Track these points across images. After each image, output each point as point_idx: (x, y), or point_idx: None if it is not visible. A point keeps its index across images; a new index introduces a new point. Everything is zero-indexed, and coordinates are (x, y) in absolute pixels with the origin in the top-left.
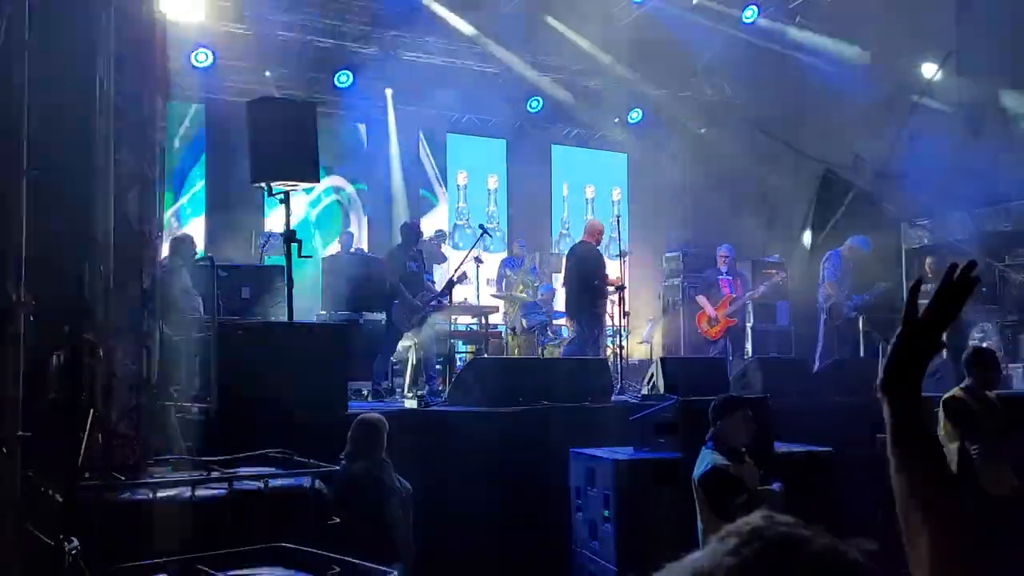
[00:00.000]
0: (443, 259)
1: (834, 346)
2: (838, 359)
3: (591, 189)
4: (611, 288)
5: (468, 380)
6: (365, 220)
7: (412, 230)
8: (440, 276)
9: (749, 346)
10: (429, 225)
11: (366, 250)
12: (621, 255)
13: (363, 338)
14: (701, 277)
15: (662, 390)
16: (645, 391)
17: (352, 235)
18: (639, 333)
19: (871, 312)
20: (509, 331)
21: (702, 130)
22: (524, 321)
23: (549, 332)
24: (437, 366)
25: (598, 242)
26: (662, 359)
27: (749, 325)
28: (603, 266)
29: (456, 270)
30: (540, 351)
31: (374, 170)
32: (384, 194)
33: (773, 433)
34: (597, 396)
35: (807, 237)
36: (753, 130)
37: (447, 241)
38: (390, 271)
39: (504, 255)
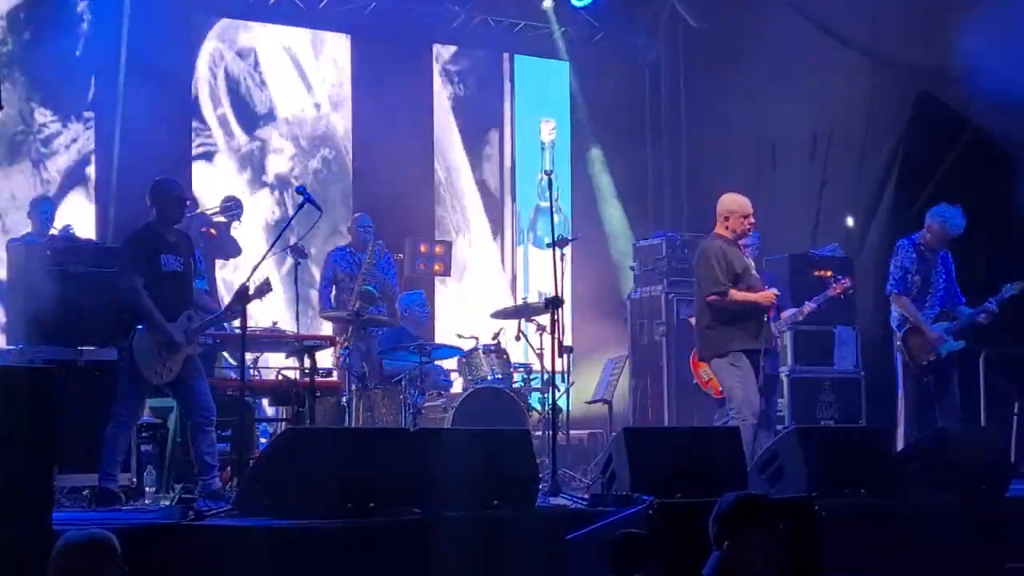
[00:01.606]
0: (235, 250)
1: (929, 403)
2: (938, 429)
3: (503, 126)
4: (533, 302)
5: (275, 470)
6: (92, 181)
7: (168, 196)
8: (228, 281)
9: (784, 406)
10: (208, 187)
11: (91, 236)
12: (556, 243)
13: (82, 393)
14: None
15: (627, 486)
16: (597, 487)
17: (52, 205)
18: (587, 384)
19: (989, 342)
20: (354, 380)
21: (704, 24)
22: (384, 365)
23: (428, 381)
24: (220, 445)
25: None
26: (628, 431)
27: (785, 370)
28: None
29: (254, 270)
30: (409, 416)
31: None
32: (128, 127)
33: (820, 560)
34: (511, 497)
35: (890, 209)
36: (787, 18)
37: (240, 218)
38: (126, 274)
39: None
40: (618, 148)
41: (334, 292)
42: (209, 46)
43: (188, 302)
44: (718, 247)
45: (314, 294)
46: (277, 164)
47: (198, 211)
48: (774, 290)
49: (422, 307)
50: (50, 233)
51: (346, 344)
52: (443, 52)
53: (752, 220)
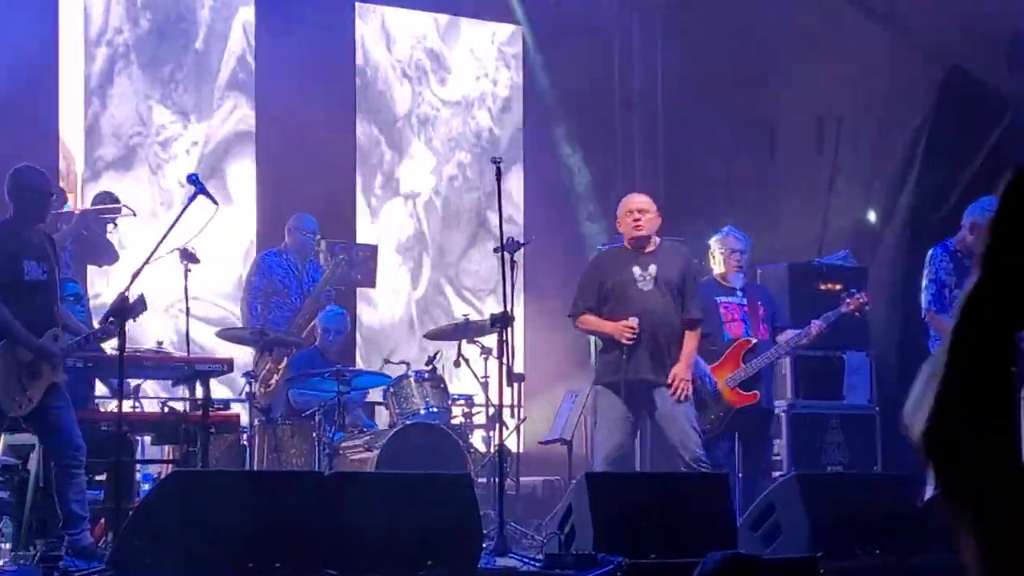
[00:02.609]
0: (110, 256)
1: None
2: None
3: (437, 100)
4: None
5: (159, 522)
6: None
7: (29, 189)
8: (105, 292)
9: (782, 448)
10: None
11: None
12: (504, 248)
13: None
14: None
15: (590, 543)
16: (553, 545)
17: None
18: (542, 420)
19: None
20: (256, 414)
21: None
22: (291, 396)
23: (347, 415)
24: (92, 491)
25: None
26: (591, 477)
27: (784, 405)
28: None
29: (133, 279)
30: (324, 457)
31: None
32: None
33: None
34: (449, 557)
35: (910, 209)
36: None
37: (117, 220)
38: None
39: (254, 247)
40: (580, 138)
41: (261, 308)
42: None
43: (52, 318)
44: (600, 256)
45: (207, 307)
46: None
47: (66, 209)
48: (631, 321)
49: (337, 334)
50: None
51: (249, 370)
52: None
53: (637, 216)
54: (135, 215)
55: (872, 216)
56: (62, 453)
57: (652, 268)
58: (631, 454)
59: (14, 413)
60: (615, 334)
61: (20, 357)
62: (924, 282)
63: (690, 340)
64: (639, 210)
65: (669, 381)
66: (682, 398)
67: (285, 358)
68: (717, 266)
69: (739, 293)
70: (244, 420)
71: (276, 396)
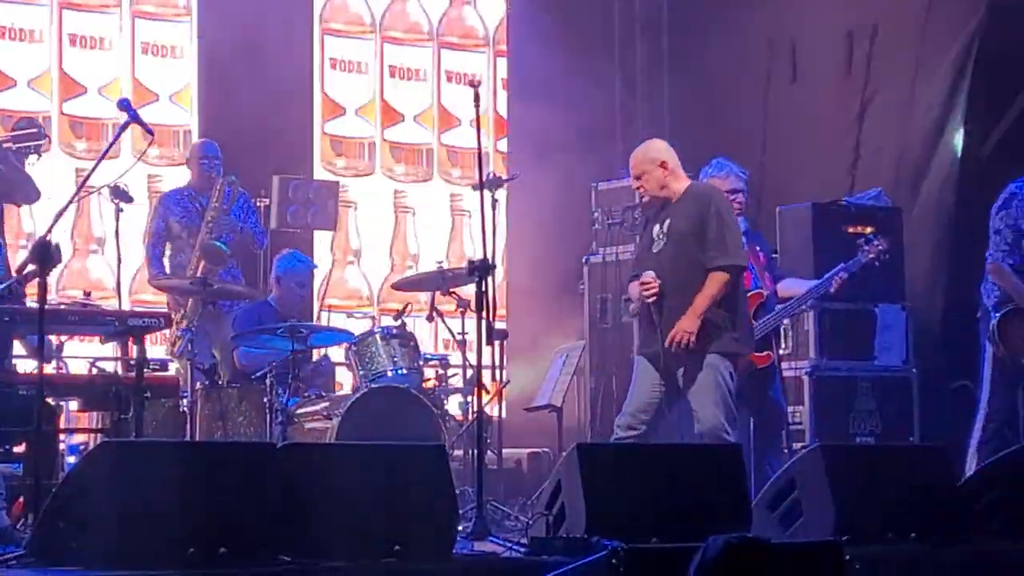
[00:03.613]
0: (32, 193)
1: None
2: (1020, 451)
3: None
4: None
5: (87, 501)
6: None
7: None
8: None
9: (805, 415)
10: None
11: None
12: (484, 185)
13: None
14: None
15: (582, 526)
16: (540, 528)
17: None
18: (527, 384)
19: None
20: (198, 376)
21: None
22: (238, 357)
23: (303, 377)
24: (8, 465)
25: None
26: (584, 449)
27: (806, 366)
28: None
29: (56, 220)
30: (277, 426)
31: None
32: None
33: None
34: (420, 541)
35: (959, 139)
36: None
37: (41, 150)
38: None
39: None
40: (573, 53)
41: (168, 251)
42: None
43: None
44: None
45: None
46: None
47: None
48: (645, 276)
49: (302, 287)
50: None
51: (187, 325)
52: None
53: (636, 183)
54: (49, 141)
55: (958, 142)
56: None
57: (667, 223)
58: (655, 430)
59: None
60: (636, 297)
61: None
62: (997, 225)
63: (709, 284)
64: (633, 175)
65: (678, 329)
66: (674, 349)
67: (199, 309)
68: None
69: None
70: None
71: (222, 356)
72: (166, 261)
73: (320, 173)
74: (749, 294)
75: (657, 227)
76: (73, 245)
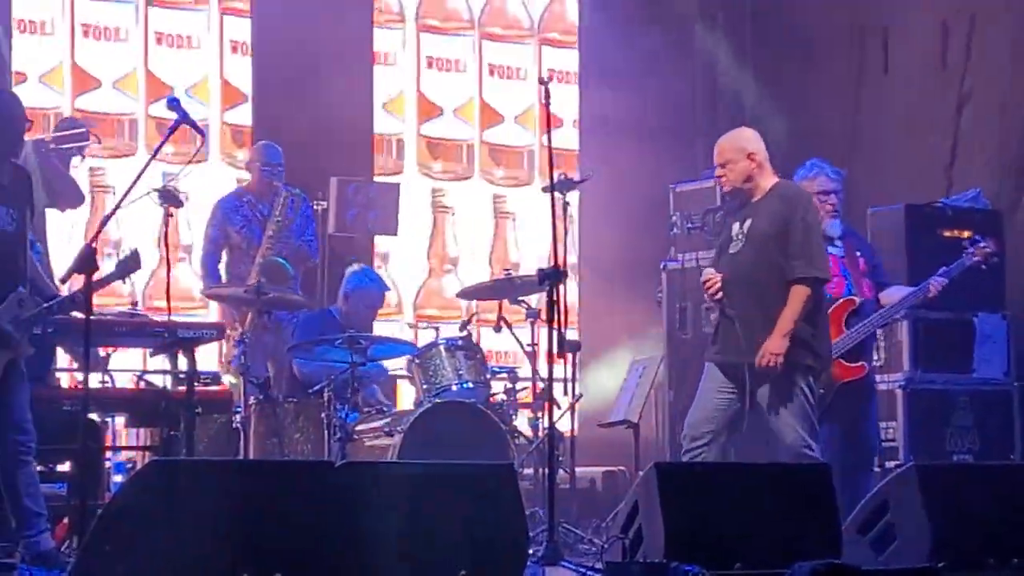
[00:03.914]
0: (76, 196)
1: None
2: None
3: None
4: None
5: (134, 523)
6: None
7: (7, 110)
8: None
9: (898, 432)
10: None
11: None
12: (555, 187)
13: None
14: None
15: (660, 550)
16: (615, 552)
17: None
18: (602, 398)
19: None
20: (252, 390)
21: None
22: (296, 367)
23: (363, 391)
24: (52, 485)
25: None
26: (663, 469)
27: (899, 380)
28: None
29: (102, 225)
30: (335, 444)
31: None
32: None
33: None
34: (488, 566)
35: None
36: None
37: (85, 151)
38: None
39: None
40: (649, 44)
41: (224, 260)
42: None
43: (20, 276)
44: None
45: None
46: None
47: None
48: (705, 273)
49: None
50: None
51: (242, 336)
52: None
53: (720, 171)
54: (100, 143)
55: None
56: (9, 439)
57: (748, 223)
58: (726, 445)
59: None
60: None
61: None
62: None
63: (793, 300)
64: (717, 163)
65: (765, 352)
66: (769, 369)
67: (253, 319)
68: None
69: (837, 243)
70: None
71: (276, 368)
72: (223, 270)
73: (416, 177)
74: (840, 301)
75: (737, 225)
76: (160, 253)
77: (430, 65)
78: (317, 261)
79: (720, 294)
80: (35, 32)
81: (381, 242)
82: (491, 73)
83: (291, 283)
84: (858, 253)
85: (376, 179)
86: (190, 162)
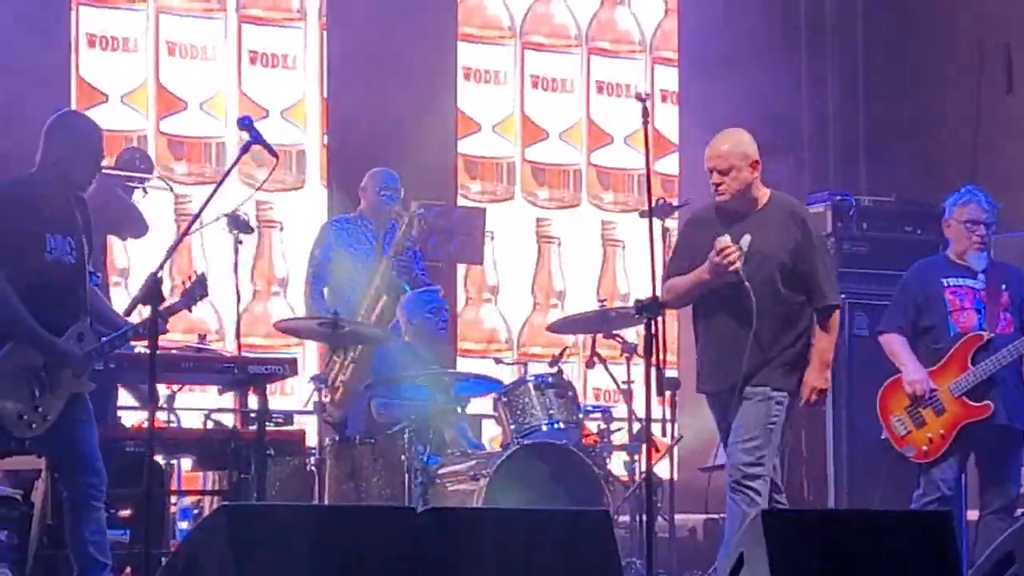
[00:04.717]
0: (140, 226)
1: None
2: None
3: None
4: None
5: (201, 573)
6: None
7: (84, 142)
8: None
9: None
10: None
11: None
12: (654, 212)
13: None
14: (895, 279)
15: None
16: None
17: None
18: (703, 440)
19: None
20: (327, 430)
21: None
22: (374, 407)
23: (447, 431)
24: (115, 532)
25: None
26: (768, 516)
27: None
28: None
29: (169, 255)
30: (417, 487)
31: None
32: None
33: None
34: None
35: None
36: None
37: (147, 183)
38: None
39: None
40: (752, 61)
41: (329, 291)
42: None
43: (80, 309)
44: (691, 219)
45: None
46: None
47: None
48: (721, 241)
49: (436, 313)
50: None
51: (343, 373)
52: None
53: (716, 178)
54: (171, 190)
55: None
56: (79, 480)
57: (746, 238)
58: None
59: (21, 434)
60: (707, 275)
61: (32, 362)
62: None
63: (831, 329)
64: (716, 169)
65: (805, 394)
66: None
67: (351, 355)
68: (954, 240)
69: (980, 276)
70: (312, 439)
71: (351, 407)
72: (328, 295)
73: (521, 205)
74: (967, 336)
75: (727, 238)
76: (253, 287)
77: (535, 85)
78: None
79: (738, 264)
80: (116, 49)
81: (490, 275)
82: (599, 91)
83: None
84: (1004, 286)
85: (475, 206)
86: (260, 186)
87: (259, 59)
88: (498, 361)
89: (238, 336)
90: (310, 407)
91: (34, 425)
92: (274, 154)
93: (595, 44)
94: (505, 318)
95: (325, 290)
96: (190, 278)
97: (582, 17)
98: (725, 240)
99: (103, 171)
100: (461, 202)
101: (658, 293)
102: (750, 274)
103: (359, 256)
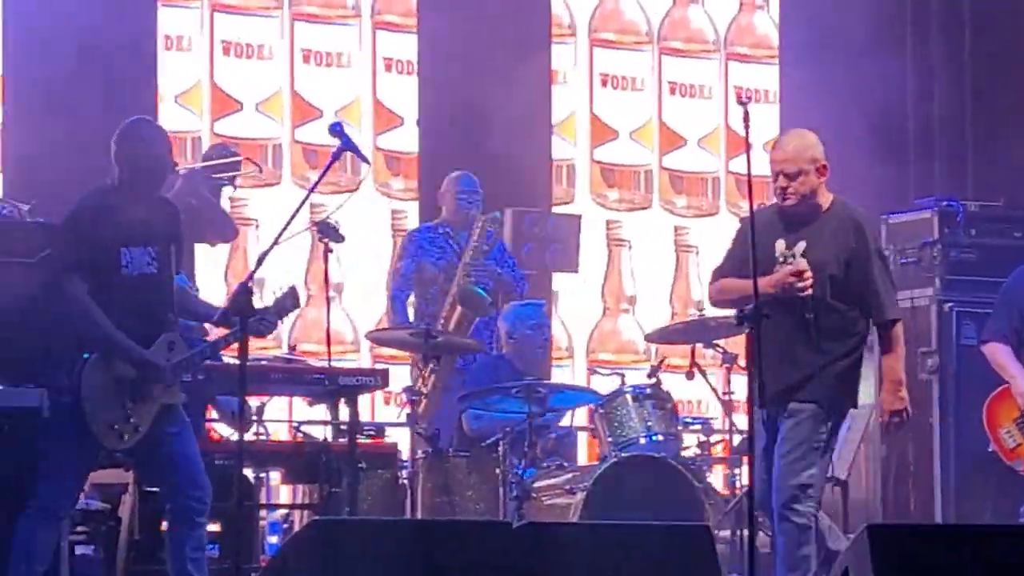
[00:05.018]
0: (229, 230)
1: None
2: None
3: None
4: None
5: None
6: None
7: (149, 149)
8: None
9: None
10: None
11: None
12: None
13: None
14: (1005, 287)
15: None
16: None
17: None
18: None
19: None
20: (420, 443)
21: None
22: (467, 420)
23: (542, 445)
24: (209, 549)
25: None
26: (875, 531)
27: None
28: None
29: (259, 264)
30: (512, 502)
31: None
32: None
33: None
34: None
35: None
36: None
37: (236, 181)
38: (63, 273)
39: (408, 219)
40: (854, 61)
41: (413, 299)
42: None
43: (165, 320)
44: (747, 220)
45: (355, 300)
46: None
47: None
48: (802, 261)
49: (537, 330)
50: None
51: (424, 385)
52: None
53: (783, 183)
54: (260, 171)
55: None
56: (181, 494)
57: (800, 245)
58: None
59: (113, 445)
60: (772, 290)
61: (122, 373)
62: None
63: (898, 344)
64: (783, 173)
65: (883, 419)
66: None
67: (430, 366)
68: None
69: None
70: (404, 451)
71: (435, 418)
72: (410, 309)
73: (589, 206)
74: None
75: (782, 244)
76: (308, 292)
77: (604, 83)
78: (524, 294)
79: (810, 291)
80: (170, 48)
81: (628, 285)
82: (672, 91)
83: (489, 312)
84: None
85: (571, 212)
86: (352, 191)
87: (312, 57)
88: (595, 372)
89: (328, 346)
90: (403, 419)
91: (126, 436)
92: (366, 160)
93: (667, 43)
94: (644, 329)
95: (409, 302)
96: (282, 289)
97: (654, 17)
98: (802, 264)
99: (188, 169)
100: (597, 212)
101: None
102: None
103: (440, 265)
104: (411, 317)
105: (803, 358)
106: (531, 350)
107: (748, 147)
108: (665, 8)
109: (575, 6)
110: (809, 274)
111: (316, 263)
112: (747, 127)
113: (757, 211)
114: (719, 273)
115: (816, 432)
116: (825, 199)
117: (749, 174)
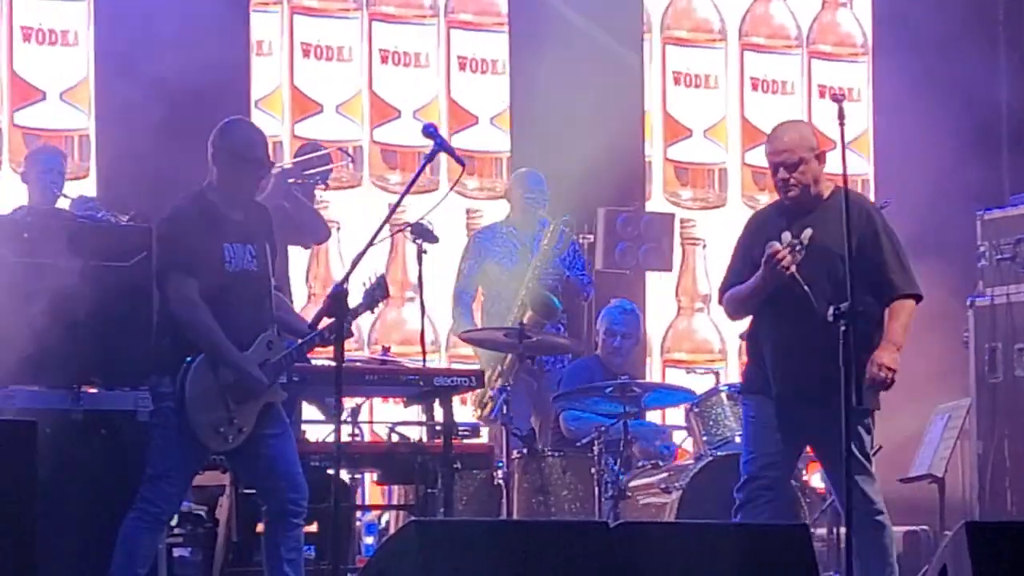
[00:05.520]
0: (322, 230)
1: None
2: None
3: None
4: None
5: None
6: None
7: (246, 149)
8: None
9: None
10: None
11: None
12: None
13: (78, 463)
14: None
15: None
16: None
17: (61, 158)
18: (902, 450)
19: None
20: (515, 443)
21: None
22: (564, 421)
23: (638, 444)
24: (306, 550)
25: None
26: (974, 528)
27: None
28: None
29: (354, 265)
30: (608, 502)
31: None
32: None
33: None
34: None
35: None
36: None
37: (328, 179)
38: (169, 274)
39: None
40: (947, 58)
41: (480, 299)
42: None
43: (266, 318)
44: (752, 218)
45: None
46: None
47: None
48: (776, 245)
49: (630, 329)
50: (56, 205)
51: (503, 384)
52: None
53: (783, 174)
54: (352, 160)
55: None
56: (280, 495)
57: (807, 232)
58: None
59: (218, 447)
60: (761, 282)
61: (224, 376)
62: None
63: (902, 314)
64: (783, 165)
65: (872, 370)
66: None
67: (498, 368)
68: None
69: None
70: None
71: (542, 420)
72: (476, 309)
73: (662, 205)
74: None
75: (788, 236)
76: (309, 290)
77: (677, 81)
78: (588, 299)
79: (792, 269)
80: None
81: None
82: (754, 87)
83: (558, 319)
84: None
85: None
86: (431, 191)
87: (390, 58)
88: (689, 371)
89: (423, 347)
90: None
91: (230, 438)
92: (461, 162)
93: (750, 40)
94: (719, 327)
95: (473, 304)
96: (371, 279)
97: (729, 14)
98: (775, 245)
99: (280, 169)
100: (670, 210)
101: (854, 300)
102: (813, 272)
103: (506, 266)
104: (476, 317)
105: (825, 350)
106: (620, 354)
107: (844, 145)
108: (741, 4)
109: (649, 5)
110: (781, 252)
111: (395, 263)
112: (842, 125)
113: (755, 213)
114: (725, 285)
115: (861, 436)
116: (826, 188)
117: (844, 172)
